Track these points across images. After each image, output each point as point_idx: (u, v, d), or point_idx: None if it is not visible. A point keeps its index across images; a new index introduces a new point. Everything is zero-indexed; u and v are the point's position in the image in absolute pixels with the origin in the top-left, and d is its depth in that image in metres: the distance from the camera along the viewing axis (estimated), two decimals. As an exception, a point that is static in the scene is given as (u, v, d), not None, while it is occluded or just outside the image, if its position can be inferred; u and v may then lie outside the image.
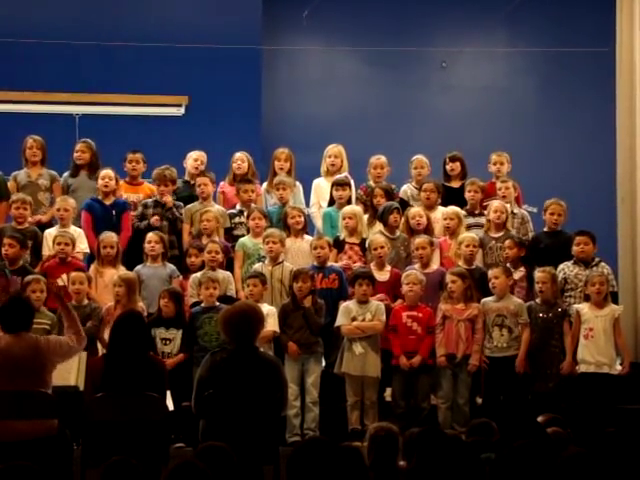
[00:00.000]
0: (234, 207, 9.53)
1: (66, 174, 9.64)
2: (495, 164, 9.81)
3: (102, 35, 11.85)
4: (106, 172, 9.33)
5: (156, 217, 9.16)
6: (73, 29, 11.87)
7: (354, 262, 8.91)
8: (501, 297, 8.33)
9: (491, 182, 9.76)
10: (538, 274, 8.35)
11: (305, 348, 8.23)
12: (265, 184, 9.84)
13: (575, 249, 8.66)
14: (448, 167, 9.83)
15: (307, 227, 9.24)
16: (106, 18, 12.00)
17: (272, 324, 8.11)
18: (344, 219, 9.06)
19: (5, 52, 11.77)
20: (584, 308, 8.26)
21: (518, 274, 8.66)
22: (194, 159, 9.85)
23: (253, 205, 9.38)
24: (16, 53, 11.77)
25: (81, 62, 11.97)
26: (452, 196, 9.60)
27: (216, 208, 9.36)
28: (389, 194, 9.37)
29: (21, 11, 11.96)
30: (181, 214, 9.35)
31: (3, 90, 11.91)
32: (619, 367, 8.22)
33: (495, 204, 9.10)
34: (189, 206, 9.40)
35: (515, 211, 9.40)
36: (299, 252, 8.97)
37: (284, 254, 8.85)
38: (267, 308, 8.14)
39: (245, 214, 9.33)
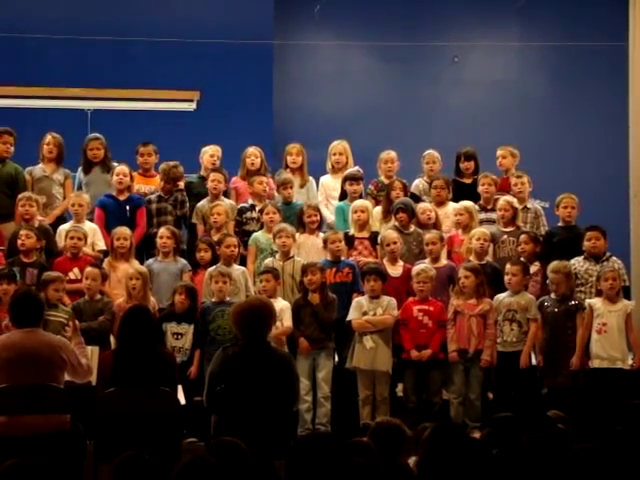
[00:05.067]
0: (246, 202, 9.53)
1: (79, 171, 9.66)
2: (498, 158, 9.81)
3: (114, 30, 11.88)
4: (121, 168, 9.36)
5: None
6: (85, 24, 11.91)
7: (364, 257, 8.91)
8: (515, 293, 8.31)
9: (504, 177, 9.75)
10: (551, 274, 8.30)
11: (316, 343, 8.24)
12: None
13: (587, 244, 8.63)
14: (463, 165, 9.82)
15: (322, 224, 9.20)
16: (117, 13, 12.03)
17: (288, 319, 8.14)
18: (355, 212, 9.06)
19: (17, 48, 11.81)
20: (597, 303, 8.23)
21: (533, 268, 8.65)
22: (210, 155, 9.85)
23: (267, 200, 9.37)
24: (28, 49, 11.81)
25: (93, 57, 12.00)
26: (464, 192, 9.60)
27: (226, 202, 9.35)
28: (406, 188, 9.38)
29: (33, 7, 11.99)
30: (185, 200, 9.34)
31: (15, 85, 11.96)
32: (631, 362, 8.20)
33: (500, 201, 9.09)
34: (199, 205, 9.37)
35: (529, 205, 9.39)
36: (312, 248, 8.94)
37: (296, 249, 8.86)
38: (282, 303, 8.15)
39: (257, 209, 9.32)
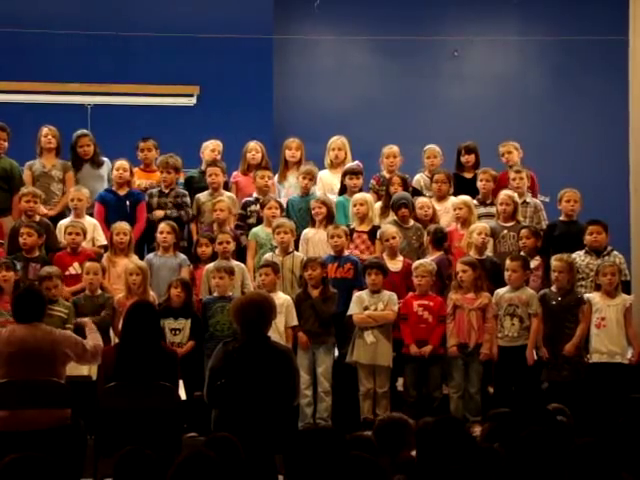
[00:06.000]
0: (250, 195, 9.53)
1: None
2: (503, 155, 9.81)
3: (114, 25, 11.88)
4: (120, 163, 9.37)
5: (159, 212, 9.16)
6: (85, 19, 11.91)
7: (361, 251, 8.91)
8: (515, 288, 8.31)
9: (504, 172, 9.75)
10: (554, 262, 8.31)
11: (315, 338, 8.25)
12: (277, 175, 9.84)
13: (588, 238, 8.63)
14: (463, 159, 9.83)
15: (334, 217, 9.10)
16: (118, 9, 12.02)
17: (294, 318, 8.17)
18: (354, 206, 9.07)
19: (17, 43, 11.80)
20: (595, 297, 8.23)
21: (534, 263, 8.65)
22: (211, 149, 9.86)
23: (270, 194, 9.37)
24: (28, 44, 11.80)
25: (93, 52, 12.00)
26: (465, 186, 9.60)
27: (227, 196, 9.35)
28: (405, 183, 9.38)
29: (33, 1, 11.99)
30: (187, 203, 9.33)
31: (16, 80, 11.95)
32: (630, 356, 8.20)
33: (501, 195, 9.09)
34: (199, 195, 9.40)
35: (528, 200, 9.39)
36: (319, 242, 8.94)
37: (305, 243, 8.90)
38: (282, 298, 8.16)
39: (260, 201, 9.32)
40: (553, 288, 8.34)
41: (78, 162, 9.62)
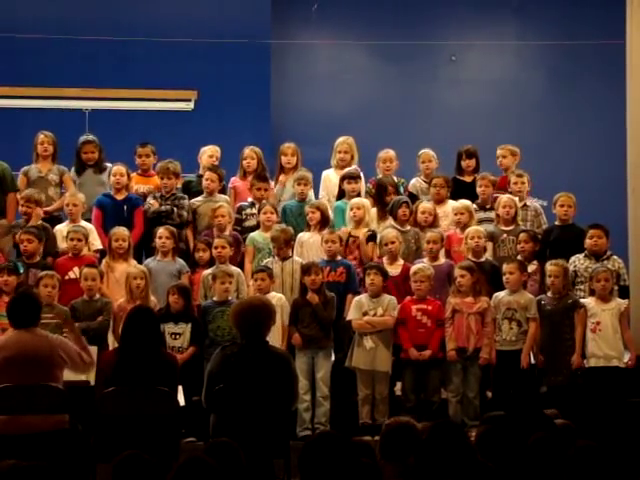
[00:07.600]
0: (245, 201, 9.53)
1: (72, 172, 9.65)
2: (498, 157, 9.84)
3: (111, 30, 11.88)
4: (117, 168, 9.36)
5: (154, 202, 9.18)
6: (83, 25, 11.91)
7: (355, 257, 8.92)
8: (514, 291, 8.32)
9: (502, 176, 9.77)
10: (550, 267, 8.32)
11: (315, 342, 8.24)
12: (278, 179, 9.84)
13: (588, 242, 8.63)
14: (464, 163, 9.84)
15: (328, 221, 9.08)
16: (115, 13, 12.03)
17: (287, 317, 8.19)
18: (351, 209, 9.08)
19: (15, 48, 11.81)
20: (590, 302, 8.24)
21: (531, 267, 8.66)
22: (209, 155, 9.88)
23: (264, 200, 9.37)
24: (26, 49, 11.81)
25: (91, 57, 12.00)
26: (464, 190, 9.61)
27: (224, 200, 9.36)
28: (396, 188, 9.38)
29: (30, 6, 11.99)
30: (183, 206, 9.31)
31: (13, 85, 11.96)
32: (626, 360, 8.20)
33: (504, 199, 9.10)
34: (193, 200, 9.40)
35: (528, 203, 9.41)
36: (313, 246, 8.95)
37: (299, 247, 8.90)
38: (277, 297, 8.17)
39: (256, 207, 9.33)
40: (549, 294, 8.35)
41: (81, 167, 9.62)
